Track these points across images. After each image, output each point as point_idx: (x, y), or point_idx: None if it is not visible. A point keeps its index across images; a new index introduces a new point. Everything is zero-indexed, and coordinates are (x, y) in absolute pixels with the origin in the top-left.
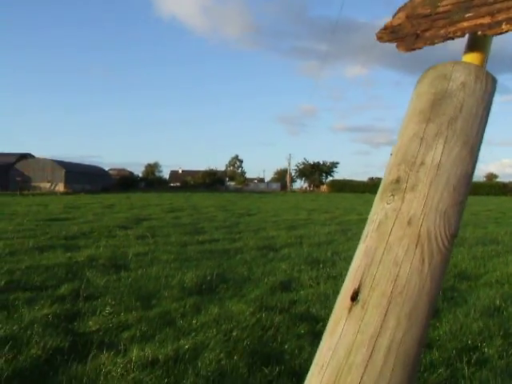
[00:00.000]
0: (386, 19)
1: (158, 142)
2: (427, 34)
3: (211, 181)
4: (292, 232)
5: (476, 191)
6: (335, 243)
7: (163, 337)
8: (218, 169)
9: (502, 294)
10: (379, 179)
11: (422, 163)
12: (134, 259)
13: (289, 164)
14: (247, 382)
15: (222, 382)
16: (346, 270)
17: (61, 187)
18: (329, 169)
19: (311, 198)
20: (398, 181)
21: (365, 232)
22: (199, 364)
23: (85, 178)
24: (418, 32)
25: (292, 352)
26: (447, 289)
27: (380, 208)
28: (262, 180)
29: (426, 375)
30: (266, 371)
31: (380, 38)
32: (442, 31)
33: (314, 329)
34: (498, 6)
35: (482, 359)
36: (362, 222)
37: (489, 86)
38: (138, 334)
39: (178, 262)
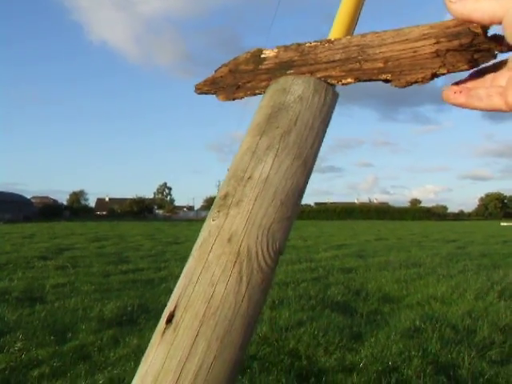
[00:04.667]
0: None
1: (84, 170)
2: (249, 85)
3: (139, 209)
4: None
5: (401, 216)
6: None
7: (77, 372)
8: (147, 197)
9: (421, 316)
10: (309, 206)
11: (250, 177)
12: (52, 291)
13: (218, 191)
14: None
15: None
16: None
17: None
18: None
19: None
20: (225, 196)
21: (191, 252)
22: None
23: (4, 207)
24: (240, 83)
25: None
26: (371, 312)
27: (206, 225)
28: (191, 208)
29: None
30: None
31: (198, 89)
32: (264, 83)
33: None
34: (317, 66)
35: (401, 380)
36: (294, 248)
37: (328, 99)
38: (48, 371)
39: (98, 293)
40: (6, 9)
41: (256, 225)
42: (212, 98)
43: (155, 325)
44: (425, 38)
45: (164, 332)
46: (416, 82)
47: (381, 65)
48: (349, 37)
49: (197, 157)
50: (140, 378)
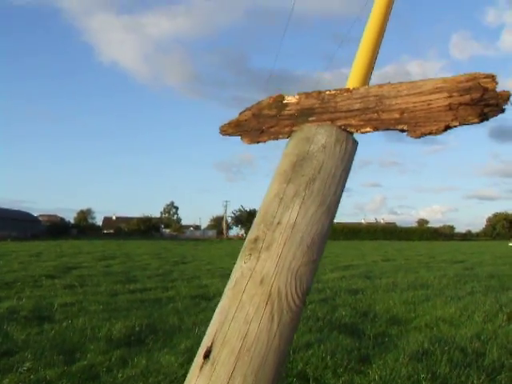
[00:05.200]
0: (319, 72)
1: (91, 188)
2: (272, 129)
3: (146, 227)
4: (226, 280)
5: (408, 236)
6: None
7: None
8: (153, 215)
9: (430, 338)
10: None
11: (279, 223)
12: (60, 310)
13: (225, 211)
14: None
15: None
16: None
17: None
18: None
19: None
20: (256, 240)
21: (224, 291)
22: None
23: (11, 225)
24: (264, 128)
25: None
26: (379, 334)
27: (238, 267)
28: (197, 227)
29: None
30: None
31: (223, 131)
32: (287, 129)
33: None
34: (338, 114)
35: None
36: None
37: (349, 148)
38: None
39: (106, 313)
40: (16, 28)
41: (285, 268)
42: (220, 118)
43: (163, 345)
44: (438, 92)
45: (202, 366)
46: (430, 133)
47: (397, 116)
48: (367, 87)
49: (204, 176)
50: None
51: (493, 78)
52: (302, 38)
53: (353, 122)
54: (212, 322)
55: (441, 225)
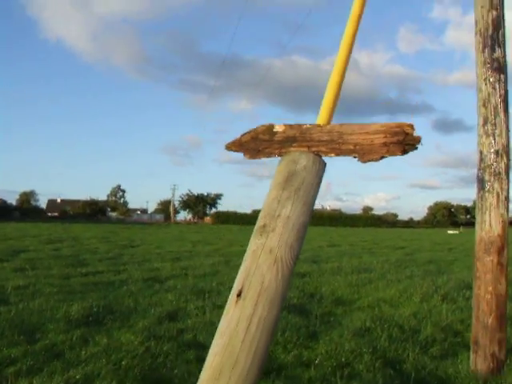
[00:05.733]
0: (270, 58)
1: (34, 170)
2: (266, 150)
3: (92, 211)
4: (177, 263)
5: (353, 223)
6: (219, 274)
7: (52, 369)
8: (100, 198)
9: (372, 317)
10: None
11: (279, 215)
12: (14, 293)
13: (173, 195)
14: None
15: None
16: None
17: None
18: (213, 200)
19: (195, 229)
20: (264, 226)
21: (245, 256)
22: None
23: None
24: (260, 148)
25: (181, 377)
26: (325, 314)
27: (254, 243)
28: (145, 211)
29: None
30: None
31: (229, 148)
32: (277, 150)
33: (201, 355)
34: (312, 143)
35: (352, 374)
36: (244, 253)
37: (321, 167)
38: (24, 368)
39: (61, 295)
40: None
41: (284, 243)
42: (168, 101)
43: (122, 325)
44: (378, 133)
45: (237, 301)
46: (371, 160)
47: (351, 147)
48: (332, 124)
49: (151, 160)
50: (226, 323)
51: (412, 126)
52: (252, 23)
53: (322, 149)
54: (238, 275)
55: (385, 212)
